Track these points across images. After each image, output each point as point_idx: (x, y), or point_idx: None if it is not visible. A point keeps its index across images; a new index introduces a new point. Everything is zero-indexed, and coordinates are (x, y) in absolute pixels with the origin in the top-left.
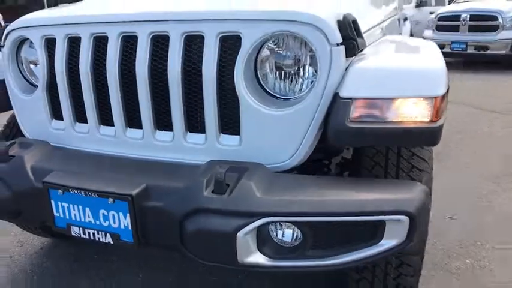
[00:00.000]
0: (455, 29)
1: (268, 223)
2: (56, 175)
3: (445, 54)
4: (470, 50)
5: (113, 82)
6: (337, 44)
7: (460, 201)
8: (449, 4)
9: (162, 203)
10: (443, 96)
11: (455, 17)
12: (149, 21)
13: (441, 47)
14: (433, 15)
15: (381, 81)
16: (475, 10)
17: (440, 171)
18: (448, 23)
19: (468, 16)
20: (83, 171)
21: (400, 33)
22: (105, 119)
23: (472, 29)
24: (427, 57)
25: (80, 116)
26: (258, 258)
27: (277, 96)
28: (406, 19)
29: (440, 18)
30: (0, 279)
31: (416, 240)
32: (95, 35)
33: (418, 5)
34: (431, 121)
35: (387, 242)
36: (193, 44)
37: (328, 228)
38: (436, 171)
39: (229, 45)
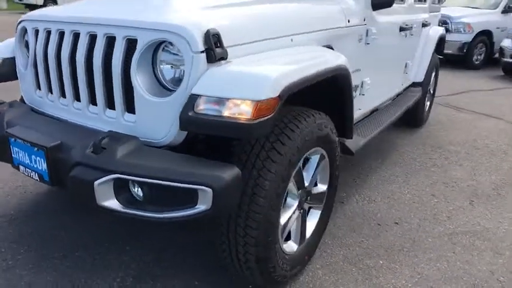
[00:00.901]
0: None
1: (120, 178)
2: (15, 128)
3: None
4: None
5: (65, 66)
6: (200, 52)
7: None
8: None
9: (65, 156)
10: (269, 100)
11: None
12: (87, 24)
13: None
14: None
15: (221, 84)
16: None
17: None
18: None
19: None
20: (34, 128)
21: (368, 43)
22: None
23: None
24: (274, 67)
25: (51, 88)
26: (112, 203)
27: (169, 88)
28: (425, 25)
29: None
30: None
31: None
32: (59, 31)
33: (505, 11)
34: (251, 119)
35: (199, 207)
36: (111, 44)
37: (160, 190)
38: None
39: (132, 46)
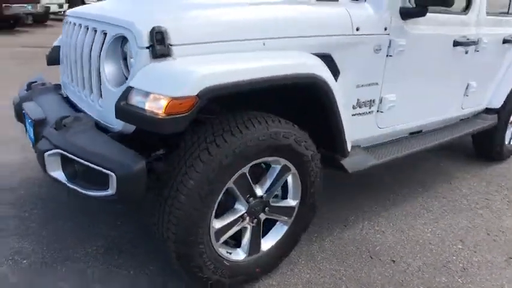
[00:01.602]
0: None
1: (62, 153)
2: (29, 103)
3: None
4: None
5: (73, 54)
6: (145, 47)
7: None
8: None
9: (41, 129)
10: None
11: None
12: (90, 20)
13: None
14: None
15: (150, 79)
16: None
17: None
18: None
19: None
20: (43, 106)
21: (390, 55)
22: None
23: None
24: (205, 67)
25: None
26: (59, 175)
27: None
28: (508, 41)
29: None
30: None
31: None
32: (76, 24)
33: None
34: (162, 114)
35: (109, 191)
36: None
37: (87, 169)
38: None
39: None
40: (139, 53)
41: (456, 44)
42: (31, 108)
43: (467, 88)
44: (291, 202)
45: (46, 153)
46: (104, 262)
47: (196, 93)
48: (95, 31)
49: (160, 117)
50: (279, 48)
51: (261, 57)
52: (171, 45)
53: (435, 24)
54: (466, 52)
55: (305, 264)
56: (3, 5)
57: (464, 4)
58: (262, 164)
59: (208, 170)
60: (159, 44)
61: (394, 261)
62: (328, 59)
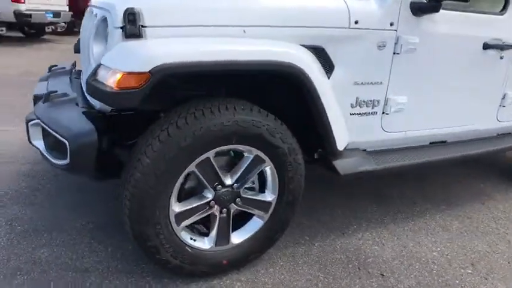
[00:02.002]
0: None
1: (39, 123)
2: (42, 82)
3: None
4: None
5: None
6: (119, 27)
7: None
8: None
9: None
10: (136, 74)
11: None
12: (95, 6)
13: None
14: None
15: (114, 56)
16: None
17: None
18: None
19: None
20: (53, 85)
21: (397, 53)
22: None
23: None
24: (165, 46)
25: None
26: (39, 144)
27: None
28: None
29: None
30: None
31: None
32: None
33: None
34: (113, 89)
35: (66, 160)
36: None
37: (56, 140)
38: None
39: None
40: (113, 32)
41: (487, 46)
42: (39, 86)
43: (503, 98)
44: (267, 197)
45: (30, 123)
46: (88, 237)
47: (148, 70)
48: (96, 16)
49: (111, 91)
50: (262, 37)
51: (232, 42)
52: (144, 26)
53: (459, 23)
54: (501, 57)
55: (283, 266)
56: None
57: (501, 4)
58: (231, 152)
59: (165, 149)
60: (131, 25)
61: (383, 275)
62: (320, 52)
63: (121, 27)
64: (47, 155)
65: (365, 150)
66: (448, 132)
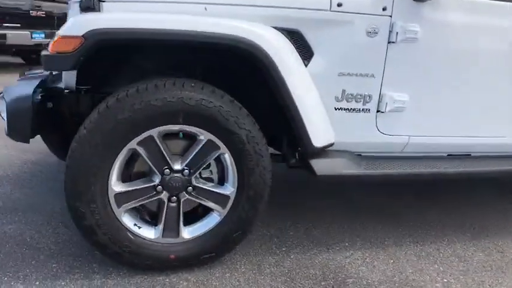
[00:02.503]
0: None
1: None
2: None
3: None
4: None
5: None
6: (77, 2)
7: None
8: None
9: None
10: (70, 37)
11: None
12: None
13: None
14: None
15: (65, 26)
16: None
17: None
18: None
19: None
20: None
21: (392, 42)
22: None
23: None
24: (108, 15)
25: None
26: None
27: None
28: None
29: None
30: None
31: None
32: None
33: None
34: (52, 51)
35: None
36: None
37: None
38: None
39: None
40: (73, 6)
41: None
42: None
43: None
44: (226, 190)
45: None
46: (58, 221)
47: (81, 34)
48: None
49: (47, 54)
50: (225, 16)
51: (181, 15)
52: (101, 0)
53: (475, 11)
54: None
55: (243, 273)
56: None
57: None
58: (181, 134)
59: (102, 121)
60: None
61: None
62: (296, 37)
63: (79, 1)
64: (5, 124)
65: (360, 154)
66: (471, 143)
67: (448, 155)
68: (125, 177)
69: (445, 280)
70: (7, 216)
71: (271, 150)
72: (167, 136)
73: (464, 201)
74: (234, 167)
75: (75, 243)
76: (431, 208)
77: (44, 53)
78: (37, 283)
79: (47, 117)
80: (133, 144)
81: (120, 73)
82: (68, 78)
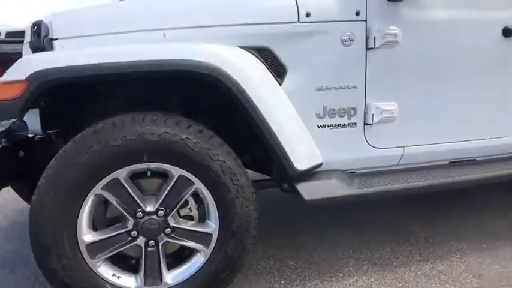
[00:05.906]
0: None
1: None
2: None
3: None
4: None
5: None
6: (28, 42)
7: None
8: None
9: None
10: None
11: None
12: None
13: None
14: None
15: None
16: None
17: None
18: None
19: None
20: None
21: (371, 48)
22: None
23: None
24: (58, 55)
25: None
26: None
27: None
28: None
29: None
30: None
31: None
32: None
33: None
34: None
35: None
36: None
37: None
38: None
39: None
40: (25, 47)
41: (509, 32)
42: None
43: None
44: (207, 227)
45: None
46: None
47: (24, 78)
48: None
49: None
50: (187, 40)
51: (134, 45)
52: (53, 39)
53: (458, 4)
54: None
55: None
56: None
57: None
58: (148, 172)
59: (60, 167)
60: (35, 38)
61: None
62: (266, 54)
63: (29, 42)
64: None
65: (354, 172)
66: (473, 147)
67: (451, 162)
68: (100, 225)
69: None
70: None
71: (261, 176)
72: (139, 175)
73: (479, 210)
74: (213, 202)
75: None
76: (442, 219)
77: None
78: None
79: (18, 167)
80: (97, 189)
81: (92, 112)
82: (31, 123)
